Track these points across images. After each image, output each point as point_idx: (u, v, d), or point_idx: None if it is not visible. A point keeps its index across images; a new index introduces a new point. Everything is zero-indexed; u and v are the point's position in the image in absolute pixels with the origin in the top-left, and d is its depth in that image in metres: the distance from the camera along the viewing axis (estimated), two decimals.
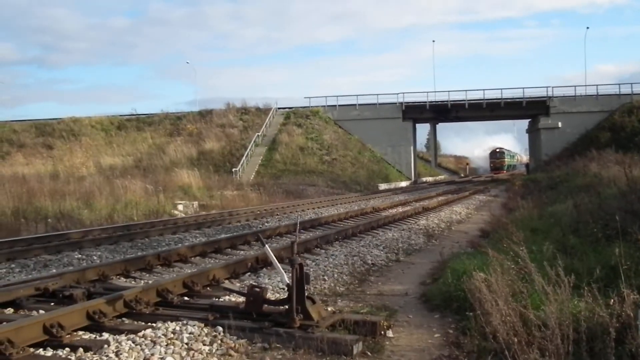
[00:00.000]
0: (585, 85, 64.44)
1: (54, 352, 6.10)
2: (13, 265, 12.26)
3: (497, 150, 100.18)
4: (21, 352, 5.85)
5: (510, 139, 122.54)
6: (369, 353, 6.08)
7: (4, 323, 6.76)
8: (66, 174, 40.14)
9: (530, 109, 63.15)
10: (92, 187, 28.15)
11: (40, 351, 6.13)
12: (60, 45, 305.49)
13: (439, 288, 8.69)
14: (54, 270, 11.13)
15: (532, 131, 68.96)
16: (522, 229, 11.16)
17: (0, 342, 5.76)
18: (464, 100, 63.31)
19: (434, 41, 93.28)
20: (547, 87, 64.07)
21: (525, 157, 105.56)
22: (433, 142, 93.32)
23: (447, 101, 63.71)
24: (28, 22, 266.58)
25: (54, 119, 68.86)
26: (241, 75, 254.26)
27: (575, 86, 63.86)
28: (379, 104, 63.82)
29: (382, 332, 6.69)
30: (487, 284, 5.87)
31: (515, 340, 5.05)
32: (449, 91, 64.76)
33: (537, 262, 6.06)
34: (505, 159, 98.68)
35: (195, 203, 29.34)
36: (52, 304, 8.21)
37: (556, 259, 5.99)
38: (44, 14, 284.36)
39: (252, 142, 57.21)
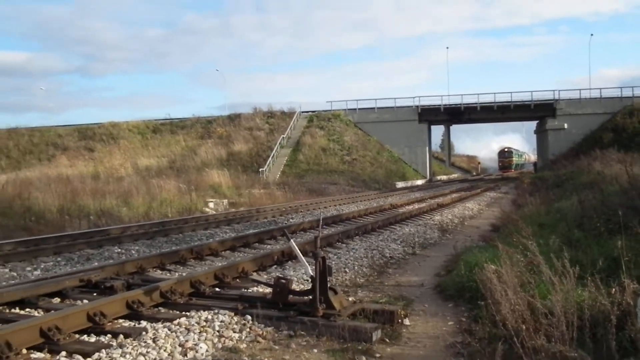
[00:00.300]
0: (590, 89, 64.11)
1: (97, 338, 6.17)
2: (59, 259, 12.37)
3: (506, 149, 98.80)
4: (67, 338, 5.93)
5: (518, 138, 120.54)
6: (387, 340, 6.09)
7: (52, 311, 6.85)
8: (106, 175, 40.33)
9: (538, 111, 62.80)
10: (130, 186, 28.26)
11: (85, 337, 6.20)
12: (101, 55, 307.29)
13: (453, 279, 8.69)
14: (96, 263, 11.24)
15: (540, 132, 68.55)
16: (530, 224, 11.16)
17: (49, 328, 5.84)
18: (476, 103, 63.06)
19: (447, 48, 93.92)
20: (554, 90, 63.72)
21: (532, 157, 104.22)
22: (447, 142, 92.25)
23: (460, 104, 63.41)
24: (72, 34, 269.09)
25: (94, 123, 69.25)
26: (267, 81, 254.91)
27: (580, 89, 63.47)
28: (397, 107, 63.61)
29: (400, 321, 6.69)
30: (497, 275, 5.86)
31: (524, 327, 5.05)
32: (462, 95, 64.67)
33: (544, 255, 6.04)
34: (514, 158, 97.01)
35: (225, 201, 29.37)
36: (95, 294, 8.28)
37: (562, 252, 5.97)
38: (86, 26, 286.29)
39: (278, 143, 57.20)
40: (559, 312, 5.00)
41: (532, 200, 19.09)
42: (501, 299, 5.50)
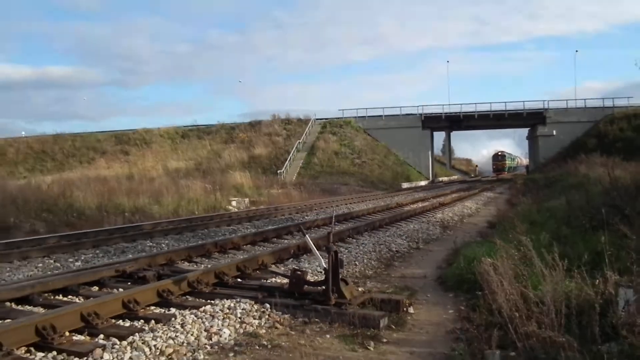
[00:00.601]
0: (576, 99, 64.39)
1: (131, 323, 6.20)
2: (97, 251, 12.42)
3: (499, 153, 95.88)
4: (105, 322, 5.96)
5: (510, 143, 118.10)
6: (393, 326, 6.09)
7: (91, 299, 6.89)
8: (139, 176, 40.40)
9: (529, 119, 62.74)
10: (161, 186, 28.32)
11: (120, 322, 6.23)
12: (137, 69, 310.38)
13: (453, 271, 8.67)
14: (130, 256, 11.26)
15: (531, 138, 68.44)
16: (523, 221, 11.12)
17: (89, 314, 5.87)
18: (474, 112, 62.91)
19: (448, 61, 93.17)
20: (543, 100, 63.97)
21: (524, 160, 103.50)
22: (448, 147, 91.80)
23: (459, 112, 63.27)
24: (111, 50, 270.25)
25: (130, 130, 69.52)
26: (285, 91, 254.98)
27: (567, 100, 63.88)
28: (402, 114, 63.58)
29: (405, 309, 6.69)
30: (493, 267, 5.85)
31: (517, 315, 5.06)
32: (461, 104, 64.58)
33: (536, 249, 6.03)
34: (507, 162, 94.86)
35: (247, 200, 29.41)
36: (129, 283, 8.33)
37: (552, 247, 5.96)
38: (124, 43, 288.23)
39: (294, 148, 57.20)
40: (549, 301, 5.01)
41: (524, 200, 19.05)
42: (497, 289, 5.50)
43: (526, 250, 6.12)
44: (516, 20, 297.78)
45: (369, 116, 65.25)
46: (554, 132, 59.68)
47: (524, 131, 73.78)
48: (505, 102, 63.24)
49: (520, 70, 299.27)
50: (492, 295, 5.59)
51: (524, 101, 63.34)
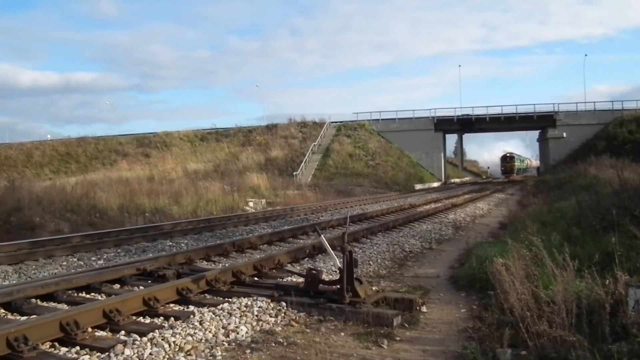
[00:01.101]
0: (585, 102, 64.22)
1: (151, 320, 6.22)
2: (119, 250, 12.48)
3: (508, 155, 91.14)
4: (126, 319, 5.98)
5: (519, 144, 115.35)
6: (406, 325, 6.06)
7: (113, 296, 6.92)
8: (160, 177, 40.66)
9: (540, 122, 62.36)
10: (180, 187, 28.45)
11: (141, 319, 6.25)
12: (157, 74, 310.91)
13: (465, 271, 8.63)
14: (151, 255, 11.30)
15: (542, 140, 67.99)
16: (534, 222, 11.04)
17: (110, 310, 5.90)
18: (486, 115, 62.71)
19: (459, 65, 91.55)
20: (554, 103, 63.73)
21: (534, 162, 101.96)
22: (460, 149, 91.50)
23: (471, 115, 63.15)
24: (131, 56, 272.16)
25: (150, 133, 69.95)
26: (301, 95, 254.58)
27: (577, 103, 63.76)
28: (415, 117, 63.49)
29: (418, 308, 6.66)
30: (505, 267, 5.82)
31: (528, 314, 5.01)
32: (473, 107, 64.79)
33: (547, 250, 5.98)
34: (516, 163, 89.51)
35: (263, 200, 29.45)
36: (149, 281, 8.36)
37: (562, 247, 5.92)
38: (144, 49, 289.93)
39: (310, 150, 57.20)
40: (559, 300, 4.97)
41: (535, 201, 18.95)
42: (509, 288, 5.47)
43: (537, 251, 6.07)
44: (525, 25, 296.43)
45: (382, 119, 65.22)
46: (564, 135, 59.42)
47: (535, 134, 73.51)
48: (516, 105, 62.97)
49: (530, 74, 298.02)
50: (504, 294, 5.56)
51: (534, 104, 63.26)
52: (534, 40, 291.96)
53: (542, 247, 6.01)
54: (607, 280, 5.54)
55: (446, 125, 63.79)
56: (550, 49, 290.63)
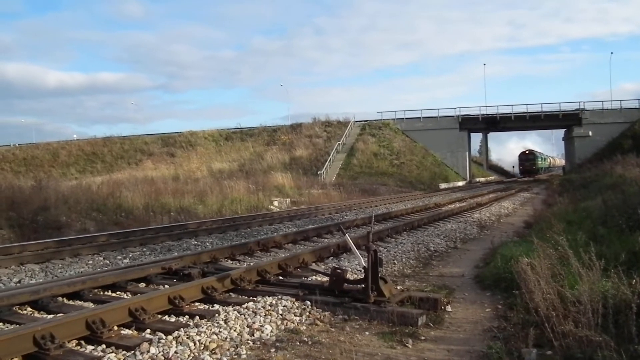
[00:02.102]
0: (611, 101, 63.12)
1: (177, 318, 6.27)
2: (145, 249, 12.59)
3: (527, 152, 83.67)
4: (151, 317, 6.04)
5: (541, 141, 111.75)
6: (431, 324, 6.05)
7: (139, 294, 6.98)
8: (185, 177, 40.91)
9: (565, 120, 61.75)
10: (205, 187, 28.57)
11: (166, 317, 6.30)
12: (182, 74, 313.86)
13: (490, 271, 8.58)
14: (176, 254, 11.35)
15: (567, 139, 67.34)
16: (559, 221, 10.95)
17: (136, 309, 5.95)
18: (510, 113, 62.22)
19: (484, 64, 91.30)
20: (579, 102, 63.11)
21: (559, 160, 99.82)
22: (485, 148, 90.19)
23: (496, 114, 62.66)
24: (157, 57, 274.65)
25: (175, 132, 70.50)
26: (325, 94, 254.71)
27: (602, 101, 62.73)
28: (440, 116, 63.24)
29: (443, 307, 6.64)
30: (530, 267, 5.78)
31: (554, 314, 4.98)
32: (497, 105, 63.91)
33: (573, 249, 5.94)
34: (537, 161, 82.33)
35: (288, 200, 29.51)
36: (175, 280, 8.43)
37: (588, 246, 5.87)
38: (170, 49, 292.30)
39: (334, 149, 57.20)
40: (585, 300, 4.93)
41: (561, 200, 18.78)
42: (534, 288, 5.43)
43: (563, 250, 6.03)
44: (551, 23, 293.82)
45: (407, 118, 65.02)
46: (590, 133, 58.75)
47: (560, 132, 72.88)
48: (541, 104, 62.58)
49: (556, 72, 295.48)
50: (530, 294, 5.52)
51: (560, 102, 62.73)
52: (560, 38, 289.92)
53: (568, 246, 5.97)
54: (634, 280, 5.47)
55: (471, 124, 63.41)
56: (576, 46, 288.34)
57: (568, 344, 4.67)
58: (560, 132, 73.20)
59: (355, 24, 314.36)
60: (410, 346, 5.39)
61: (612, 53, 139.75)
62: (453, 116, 62.70)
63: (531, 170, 79.60)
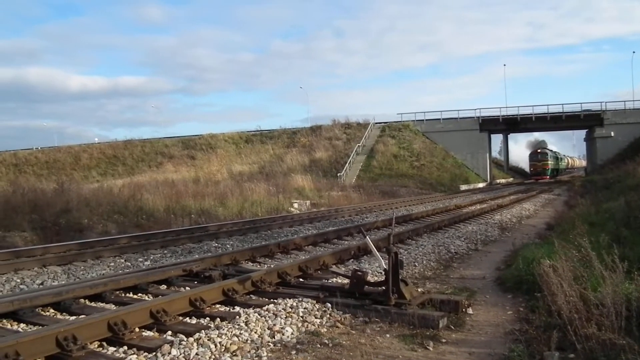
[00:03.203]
0: (634, 100, 62.35)
1: (198, 320, 6.29)
2: (165, 251, 12.65)
3: (539, 150, 77.04)
4: (172, 319, 6.07)
5: (558, 141, 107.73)
6: (452, 327, 6.03)
7: (160, 297, 7.03)
8: (205, 179, 41.07)
9: (587, 121, 61.10)
10: (226, 189, 28.72)
11: (187, 319, 6.33)
12: (202, 77, 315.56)
13: (512, 273, 8.52)
14: (197, 256, 11.42)
15: (589, 139, 66.65)
16: (581, 222, 10.86)
17: (157, 311, 5.99)
18: (531, 114, 61.75)
19: (505, 65, 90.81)
20: (601, 102, 62.64)
21: (578, 161, 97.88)
22: (505, 149, 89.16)
23: (516, 115, 62.21)
24: (177, 60, 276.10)
25: (196, 135, 70.83)
26: (345, 96, 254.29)
27: (625, 101, 61.99)
28: (460, 118, 62.98)
29: (464, 310, 6.61)
30: (553, 269, 5.75)
31: (577, 316, 4.95)
32: (518, 106, 63.45)
33: (595, 251, 5.89)
34: (549, 161, 74.40)
35: (308, 202, 29.54)
36: (196, 282, 8.46)
37: (611, 248, 5.82)
38: (190, 53, 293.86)
39: (354, 151, 57.17)
40: (609, 303, 4.90)
41: (582, 202, 18.57)
42: (556, 290, 5.40)
43: (585, 252, 5.98)
44: (572, 23, 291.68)
45: (427, 119, 64.78)
46: (612, 134, 58.08)
47: (583, 133, 72.12)
48: (562, 104, 61.84)
49: (577, 72, 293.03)
50: (552, 296, 5.49)
51: (581, 103, 62.14)
52: (581, 37, 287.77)
53: (591, 248, 5.92)
54: None
55: (491, 125, 63.02)
56: (598, 46, 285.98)
57: (591, 347, 4.64)
58: (582, 133, 72.51)
59: (374, 25, 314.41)
60: (431, 349, 5.37)
61: (634, 52, 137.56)
62: (473, 117, 62.41)
63: (543, 171, 73.05)
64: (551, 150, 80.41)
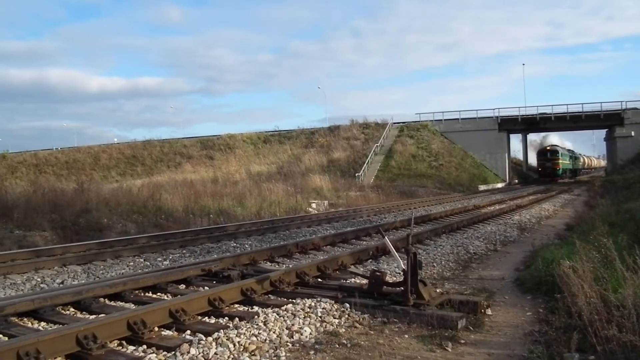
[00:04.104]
0: None
1: (216, 320, 6.32)
2: (184, 251, 12.71)
3: (548, 148, 69.56)
4: (191, 319, 6.09)
5: (573, 137, 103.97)
6: (471, 328, 6.01)
7: (179, 296, 7.06)
8: (223, 179, 41.17)
9: (607, 120, 60.30)
10: (244, 189, 28.80)
11: (206, 319, 6.36)
12: (221, 78, 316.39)
13: (531, 274, 8.48)
14: (215, 256, 11.46)
15: (609, 139, 65.79)
16: (601, 223, 10.78)
17: (176, 310, 6.02)
18: (551, 114, 61.15)
19: (524, 64, 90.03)
20: (621, 101, 61.59)
21: (596, 160, 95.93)
22: (524, 149, 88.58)
23: (536, 115, 61.64)
24: (196, 61, 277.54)
25: (214, 135, 71.22)
26: (363, 96, 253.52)
27: None
28: (479, 117, 62.57)
29: (482, 311, 6.59)
30: (573, 270, 5.71)
31: (597, 318, 4.92)
32: (537, 106, 62.90)
33: (616, 252, 5.84)
34: (560, 160, 67.25)
35: (326, 202, 29.53)
36: (214, 282, 8.49)
37: (632, 249, 5.76)
38: (208, 54, 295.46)
39: (372, 151, 57.06)
40: (630, 304, 4.86)
41: (602, 202, 18.45)
42: (577, 292, 5.37)
43: (606, 253, 5.94)
44: (592, 22, 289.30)
45: (445, 119, 64.42)
46: (632, 133, 57.29)
47: (603, 133, 71.39)
48: (582, 104, 60.93)
49: (597, 71, 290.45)
50: (572, 297, 5.46)
51: (601, 102, 61.27)
52: (601, 36, 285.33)
53: (612, 249, 5.87)
54: None
55: (510, 124, 62.52)
56: (619, 45, 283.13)
57: (611, 349, 4.60)
58: (602, 133, 71.74)
59: (393, 25, 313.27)
60: (449, 349, 5.36)
61: None
62: (492, 117, 61.98)
63: (554, 172, 65.93)
64: (564, 148, 73.67)
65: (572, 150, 79.30)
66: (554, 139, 79.88)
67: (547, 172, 66.04)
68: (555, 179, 64.25)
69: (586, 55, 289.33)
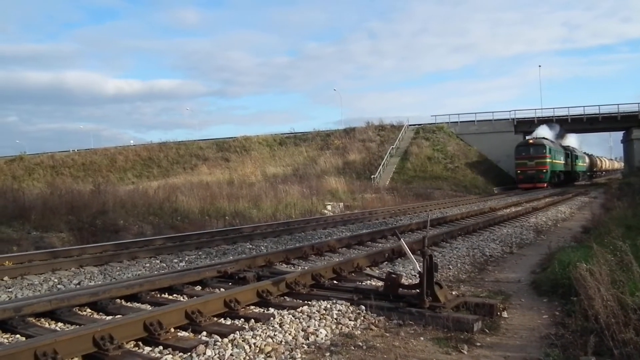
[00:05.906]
0: None
1: (232, 321, 6.34)
2: (200, 253, 12.76)
3: (531, 141, 52.18)
4: (207, 320, 6.13)
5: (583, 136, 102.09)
6: (487, 330, 5.99)
7: (195, 297, 7.10)
8: (239, 181, 41.26)
9: (624, 122, 59.74)
10: (260, 191, 28.87)
11: (222, 320, 6.39)
12: (237, 80, 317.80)
13: (547, 276, 8.44)
14: (231, 257, 11.51)
15: (626, 141, 65.20)
16: (618, 226, 10.70)
17: (192, 312, 6.05)
18: (567, 116, 60.84)
19: (540, 66, 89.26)
20: (638, 103, 61.00)
21: (608, 162, 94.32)
22: None
23: (552, 116, 61.33)
24: (212, 64, 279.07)
25: (230, 137, 71.27)
26: (378, 99, 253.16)
27: None
28: (494, 119, 62.26)
29: (498, 313, 6.56)
30: (590, 273, 5.68)
31: (614, 321, 4.89)
32: (553, 108, 62.49)
33: (633, 255, 5.80)
34: (547, 159, 49.66)
35: (341, 204, 29.53)
36: (230, 283, 8.51)
37: None
38: (224, 56, 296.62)
39: (388, 153, 56.98)
40: None
41: (619, 204, 18.29)
42: (593, 295, 5.34)
43: (623, 256, 5.90)
44: (608, 23, 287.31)
45: (461, 121, 64.20)
46: None
47: (620, 135, 70.76)
48: (598, 106, 60.43)
49: (614, 73, 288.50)
50: (588, 300, 5.43)
51: (618, 104, 60.75)
52: (618, 37, 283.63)
53: (629, 251, 5.84)
54: None
55: (526, 126, 62.12)
56: (635, 46, 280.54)
57: (629, 352, 4.58)
58: (619, 135, 71.12)
59: (408, 28, 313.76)
60: (465, 352, 5.35)
61: None
62: (508, 119, 61.69)
63: (536, 175, 49.14)
64: (553, 144, 54.39)
65: (571, 147, 66.64)
66: (572, 140, 78.34)
67: (527, 176, 49.52)
68: (540, 185, 48.69)
69: (603, 56, 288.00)
